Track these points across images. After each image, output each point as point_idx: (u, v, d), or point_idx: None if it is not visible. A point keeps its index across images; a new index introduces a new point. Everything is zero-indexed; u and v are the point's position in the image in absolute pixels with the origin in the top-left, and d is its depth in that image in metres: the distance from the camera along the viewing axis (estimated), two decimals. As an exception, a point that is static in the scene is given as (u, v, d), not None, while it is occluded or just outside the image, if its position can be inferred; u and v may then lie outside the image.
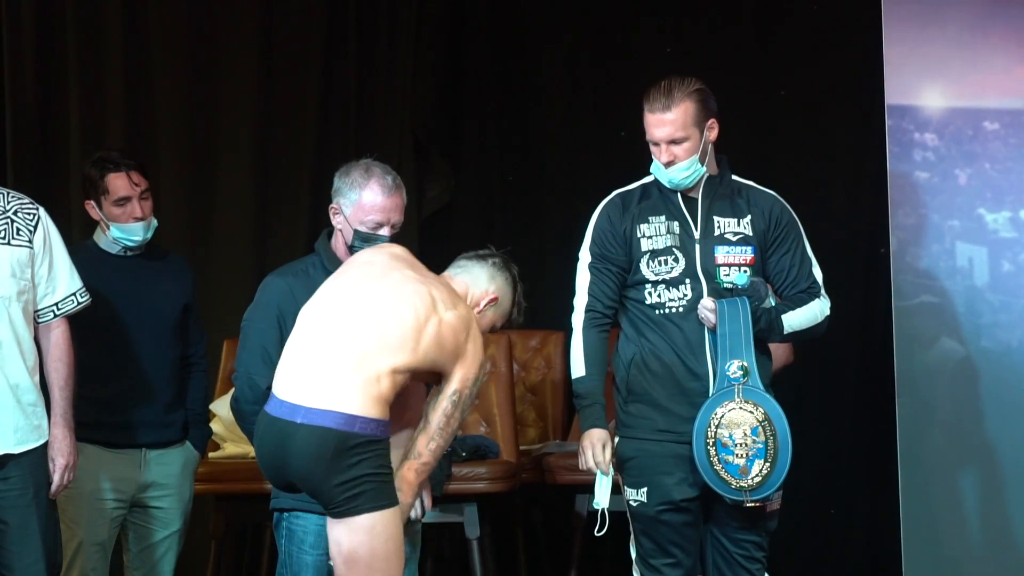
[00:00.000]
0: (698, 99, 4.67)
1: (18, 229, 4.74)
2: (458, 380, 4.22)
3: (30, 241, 4.74)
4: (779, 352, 5.21)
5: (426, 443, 4.22)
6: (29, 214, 4.76)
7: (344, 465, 4.05)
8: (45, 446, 4.74)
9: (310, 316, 4.24)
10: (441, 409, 4.21)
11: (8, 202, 4.75)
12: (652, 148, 4.69)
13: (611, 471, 4.63)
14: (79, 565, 5.16)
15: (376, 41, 7.06)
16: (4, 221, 4.71)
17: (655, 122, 4.65)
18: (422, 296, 4.21)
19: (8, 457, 4.67)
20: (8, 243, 4.72)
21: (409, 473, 4.21)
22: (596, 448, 4.62)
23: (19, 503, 4.68)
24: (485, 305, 4.39)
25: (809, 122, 6.89)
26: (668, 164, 4.65)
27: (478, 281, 4.42)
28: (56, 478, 4.78)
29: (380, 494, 4.08)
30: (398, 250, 4.41)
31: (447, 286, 4.33)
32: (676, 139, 4.64)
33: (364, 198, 4.62)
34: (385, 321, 4.16)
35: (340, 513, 4.08)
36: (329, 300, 4.24)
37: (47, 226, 4.81)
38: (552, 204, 7.18)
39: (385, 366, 4.11)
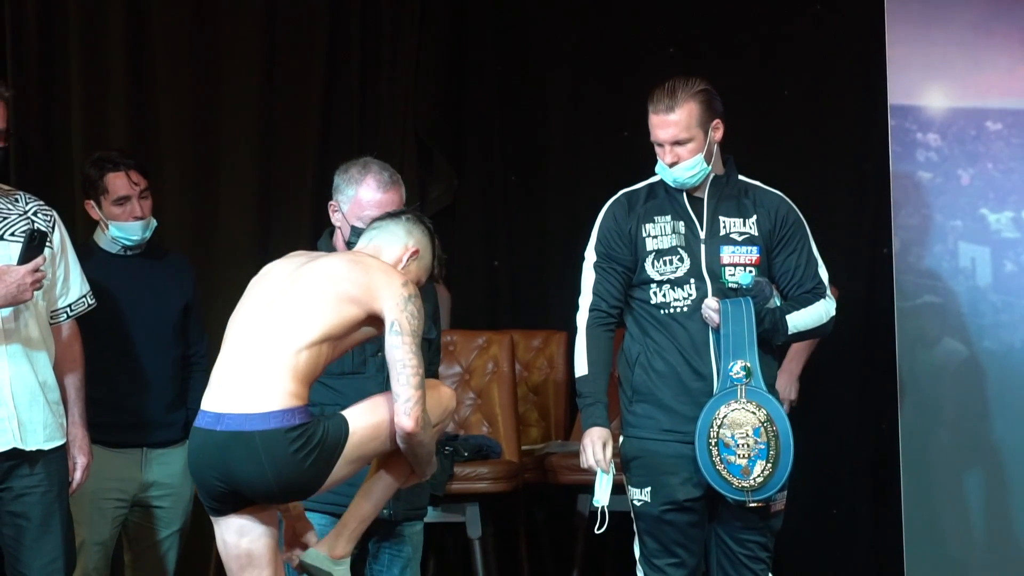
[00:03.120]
0: (702, 100, 4.66)
1: (32, 230, 4.75)
2: (389, 312, 4.11)
3: (50, 242, 4.75)
4: (800, 344, 5.27)
5: (395, 380, 4.10)
6: (47, 215, 4.78)
7: (284, 459, 4.00)
8: (65, 445, 4.77)
9: (229, 330, 4.22)
10: (388, 349, 4.10)
11: (27, 203, 4.77)
12: (656, 149, 4.69)
13: (612, 470, 4.62)
14: (81, 564, 5.16)
15: (379, 41, 7.06)
16: (25, 222, 4.72)
17: (659, 123, 4.65)
18: (314, 271, 4.16)
19: (40, 454, 4.69)
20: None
21: (400, 419, 4.09)
22: (596, 446, 4.61)
23: (44, 500, 4.69)
24: (408, 260, 4.31)
25: (812, 123, 6.89)
26: (672, 165, 4.65)
27: (395, 238, 4.33)
28: (78, 476, 4.83)
29: (332, 437, 4.04)
30: (302, 251, 4.39)
31: (349, 253, 4.30)
32: (680, 140, 4.64)
33: (361, 194, 4.62)
34: (283, 307, 4.11)
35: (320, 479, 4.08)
36: (240, 312, 4.22)
37: (62, 228, 4.84)
38: (555, 204, 7.18)
39: (293, 348, 4.05)
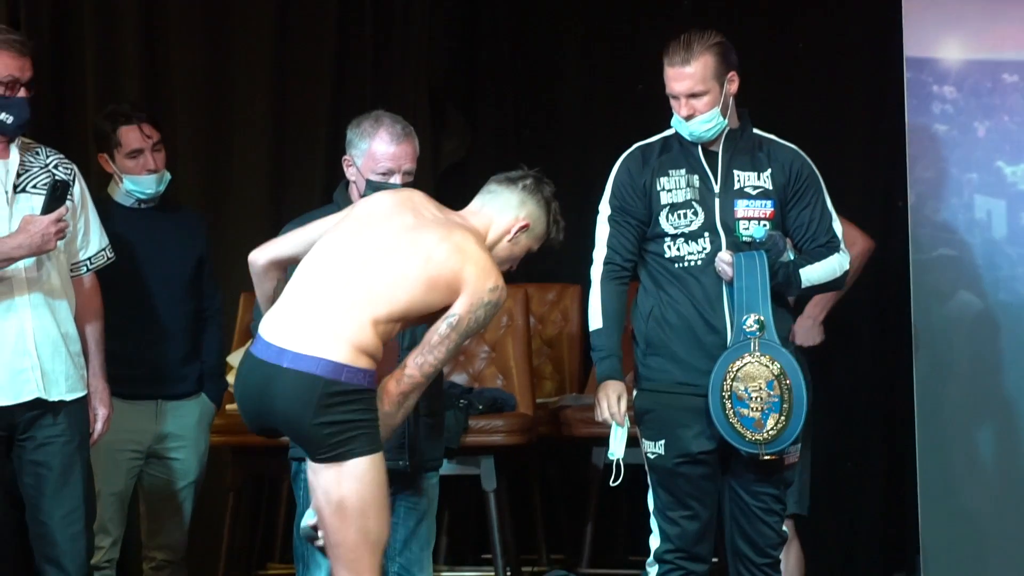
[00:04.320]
0: (718, 52, 4.65)
1: (53, 183, 4.78)
2: (459, 306, 4.07)
3: (71, 195, 4.77)
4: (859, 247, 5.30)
5: (414, 358, 4.08)
6: (67, 169, 4.82)
7: (332, 411, 3.97)
8: (86, 396, 4.81)
9: (307, 264, 4.15)
10: (436, 330, 4.07)
11: (48, 156, 4.80)
12: (672, 102, 4.68)
13: (626, 422, 4.63)
14: (97, 515, 5.19)
15: (393, -6, 7.05)
16: (46, 175, 4.74)
17: (674, 76, 4.64)
18: (415, 244, 4.10)
19: (61, 404, 4.73)
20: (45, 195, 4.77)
21: (390, 383, 4.07)
22: (611, 399, 4.62)
23: (65, 450, 4.74)
24: (517, 232, 4.25)
25: (827, 76, 6.86)
26: (688, 118, 4.64)
27: (507, 208, 4.27)
28: (99, 427, 4.88)
29: (369, 441, 3.99)
30: (405, 195, 4.27)
31: (456, 224, 4.20)
32: (696, 93, 4.63)
33: (374, 147, 4.61)
34: (375, 271, 4.07)
35: (329, 459, 3.99)
36: (326, 248, 4.15)
37: (82, 182, 4.87)
38: (569, 158, 7.16)
39: (370, 316, 4.02)
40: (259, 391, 4.05)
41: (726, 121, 4.68)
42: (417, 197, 4.26)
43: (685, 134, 4.69)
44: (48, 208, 4.66)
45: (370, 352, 4.02)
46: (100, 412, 4.88)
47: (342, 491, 3.99)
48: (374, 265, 4.08)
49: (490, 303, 4.09)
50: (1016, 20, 5.86)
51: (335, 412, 3.98)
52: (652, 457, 4.67)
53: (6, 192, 4.70)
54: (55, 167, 4.79)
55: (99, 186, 5.64)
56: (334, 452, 3.99)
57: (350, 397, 3.99)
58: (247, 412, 4.12)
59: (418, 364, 4.08)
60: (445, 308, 4.10)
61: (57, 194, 4.68)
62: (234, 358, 5.98)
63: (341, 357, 3.99)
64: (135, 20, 6.71)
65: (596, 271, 4.73)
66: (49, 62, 6.52)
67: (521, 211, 4.26)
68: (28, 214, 4.65)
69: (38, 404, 4.69)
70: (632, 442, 4.66)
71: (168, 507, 5.44)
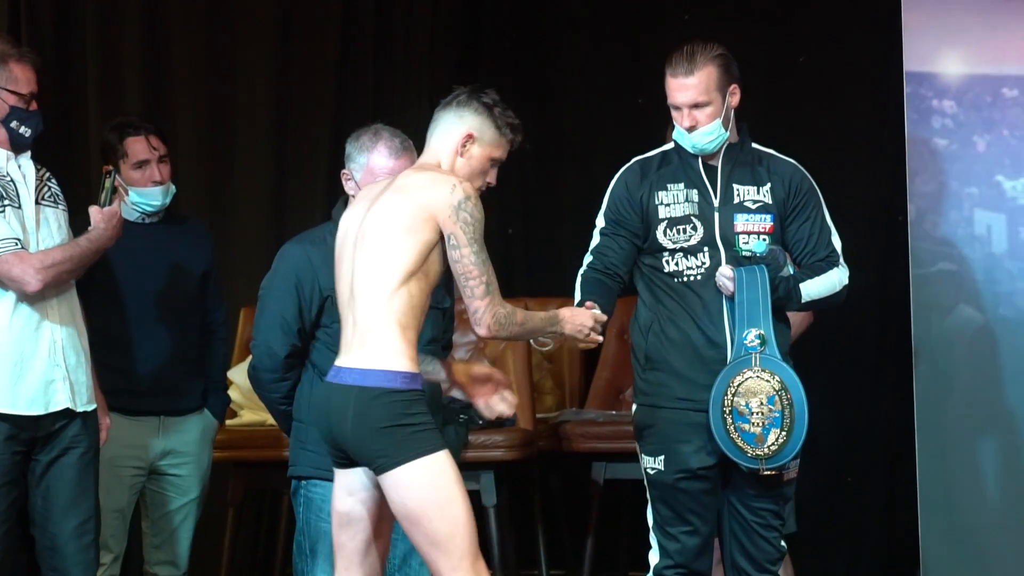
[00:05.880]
0: (720, 64, 4.66)
1: (57, 193, 4.83)
2: (444, 226, 4.00)
3: (66, 207, 4.84)
4: (797, 317, 5.21)
5: (463, 293, 4.02)
6: (53, 180, 4.84)
7: (365, 421, 3.97)
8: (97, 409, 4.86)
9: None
10: (451, 261, 4.00)
11: (38, 168, 4.82)
12: (674, 113, 4.68)
13: None
14: (100, 531, 5.19)
15: (394, 5, 7.05)
16: (45, 187, 4.78)
17: (677, 86, 4.64)
18: (375, 220, 4.06)
19: (83, 415, 4.77)
20: (57, 206, 4.80)
21: (480, 334, 4.05)
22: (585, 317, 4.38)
23: (82, 460, 4.77)
24: (463, 146, 4.16)
25: (828, 90, 6.86)
26: (690, 129, 4.64)
27: (448, 130, 4.16)
28: (103, 436, 4.91)
29: (408, 446, 3.95)
30: (363, 192, 4.24)
31: (403, 175, 4.16)
32: (698, 103, 4.63)
33: (373, 161, 4.62)
34: (363, 264, 4.06)
35: (376, 469, 3.98)
36: (339, 259, 4.18)
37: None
38: (570, 172, 7.17)
39: (382, 299, 3.99)
40: (321, 413, 4.09)
41: (728, 133, 4.69)
42: (377, 187, 4.20)
43: (687, 146, 4.69)
44: (109, 200, 4.81)
45: (399, 343, 3.99)
46: (104, 422, 4.92)
47: (399, 499, 3.97)
48: (359, 257, 4.07)
49: (460, 202, 4.01)
50: (1016, 34, 5.87)
51: (371, 419, 3.96)
52: (652, 473, 4.67)
53: (34, 204, 4.75)
54: (48, 179, 4.82)
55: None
56: (376, 464, 3.98)
57: (385, 399, 3.97)
58: (323, 439, 4.13)
59: (467, 295, 4.01)
60: (436, 241, 4.03)
61: (114, 185, 4.88)
62: (234, 373, 5.99)
63: (369, 363, 3.99)
64: (137, 34, 6.71)
65: (579, 273, 4.73)
66: (51, 75, 6.52)
67: (461, 125, 4.17)
68: (94, 206, 4.77)
69: (65, 415, 4.72)
70: (631, 457, 4.65)
71: (170, 523, 5.44)
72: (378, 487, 4.02)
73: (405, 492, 3.95)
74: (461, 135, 4.17)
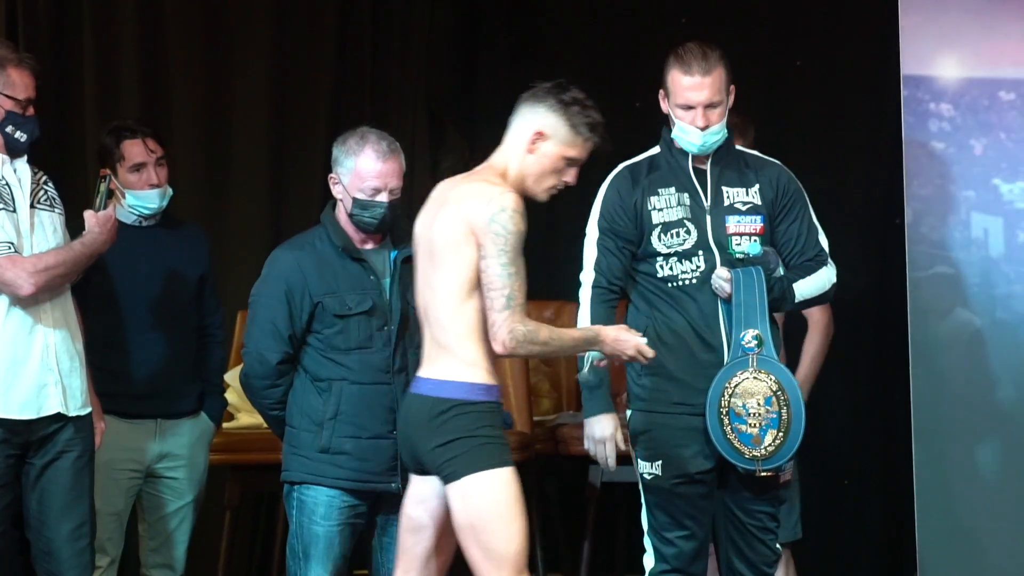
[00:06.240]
0: (726, 64, 4.68)
1: (53, 197, 4.83)
2: (479, 237, 3.96)
3: (62, 211, 4.83)
4: (821, 328, 5.28)
5: (487, 305, 3.96)
6: (50, 184, 4.83)
7: (436, 430, 3.97)
8: (91, 412, 4.85)
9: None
10: (481, 272, 3.95)
11: (34, 171, 4.81)
12: (682, 113, 4.65)
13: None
14: (96, 534, 5.18)
15: (391, 11, 7.05)
16: (42, 191, 4.78)
17: (694, 86, 4.62)
18: (434, 229, 4.06)
19: (76, 419, 4.77)
20: (53, 210, 4.80)
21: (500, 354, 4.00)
22: (609, 446, 4.61)
23: (77, 464, 4.77)
24: (533, 143, 4.09)
25: (824, 93, 6.87)
26: (705, 127, 4.62)
27: (520, 127, 4.11)
28: (98, 440, 4.90)
29: (475, 458, 3.95)
30: (443, 187, 4.19)
31: (461, 182, 4.13)
32: (713, 103, 4.63)
33: (359, 165, 4.62)
34: (430, 277, 4.06)
35: (445, 479, 3.99)
36: (415, 268, 4.17)
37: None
38: (566, 175, 7.16)
39: (451, 312, 3.98)
40: (403, 421, 4.12)
41: (726, 133, 4.69)
42: (444, 189, 4.17)
43: (694, 146, 4.66)
44: (104, 204, 4.82)
45: (470, 360, 3.99)
46: (99, 426, 4.92)
47: (459, 510, 3.98)
48: (426, 270, 4.06)
49: (495, 214, 3.96)
50: (1014, 37, 5.87)
51: (440, 431, 3.97)
52: (648, 478, 4.65)
53: (29, 207, 4.74)
54: (45, 183, 4.81)
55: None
56: (442, 474, 3.99)
57: (456, 411, 3.97)
58: (402, 448, 4.16)
59: (488, 307, 3.96)
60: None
61: (109, 189, 4.89)
62: (231, 377, 5.98)
63: (442, 374, 4.01)
64: (134, 37, 6.72)
65: (585, 294, 4.71)
66: (47, 79, 6.51)
67: (533, 122, 4.09)
68: (89, 210, 4.78)
69: (57, 419, 4.71)
70: (626, 460, 4.65)
71: (167, 526, 5.43)
72: (442, 494, 4.03)
73: (469, 502, 3.96)
74: (531, 131, 4.10)
